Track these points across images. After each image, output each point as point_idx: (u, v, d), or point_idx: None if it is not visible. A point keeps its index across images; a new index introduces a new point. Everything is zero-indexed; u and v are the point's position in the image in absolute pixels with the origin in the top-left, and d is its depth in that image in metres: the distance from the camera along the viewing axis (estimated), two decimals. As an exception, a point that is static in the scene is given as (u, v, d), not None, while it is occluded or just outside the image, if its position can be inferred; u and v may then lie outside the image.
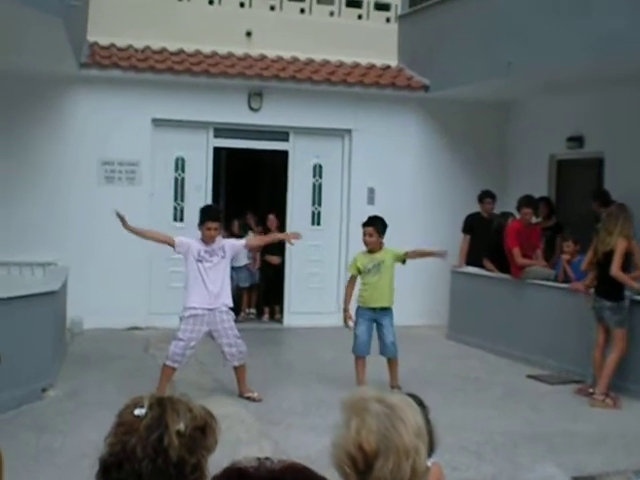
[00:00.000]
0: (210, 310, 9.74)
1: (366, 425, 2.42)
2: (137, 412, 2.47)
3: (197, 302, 9.72)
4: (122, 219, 10.02)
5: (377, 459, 2.39)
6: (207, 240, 9.88)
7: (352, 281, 10.67)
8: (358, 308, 10.52)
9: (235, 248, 10.29)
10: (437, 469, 4.46)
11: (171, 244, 9.98)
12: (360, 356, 10.39)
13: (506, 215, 13.66)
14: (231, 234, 15.35)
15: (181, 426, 2.43)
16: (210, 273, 9.80)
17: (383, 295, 10.47)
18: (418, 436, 2.44)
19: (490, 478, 7.52)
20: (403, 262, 10.62)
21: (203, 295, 9.73)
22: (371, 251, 10.54)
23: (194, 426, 2.47)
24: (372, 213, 15.04)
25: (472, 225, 14.47)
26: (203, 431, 2.49)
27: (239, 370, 10.04)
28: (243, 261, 15.44)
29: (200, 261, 9.78)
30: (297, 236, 10.70)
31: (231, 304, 10.01)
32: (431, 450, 4.45)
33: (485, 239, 14.03)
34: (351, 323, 10.48)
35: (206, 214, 10.13)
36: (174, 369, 9.73)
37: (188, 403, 2.54)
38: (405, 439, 2.40)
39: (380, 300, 10.44)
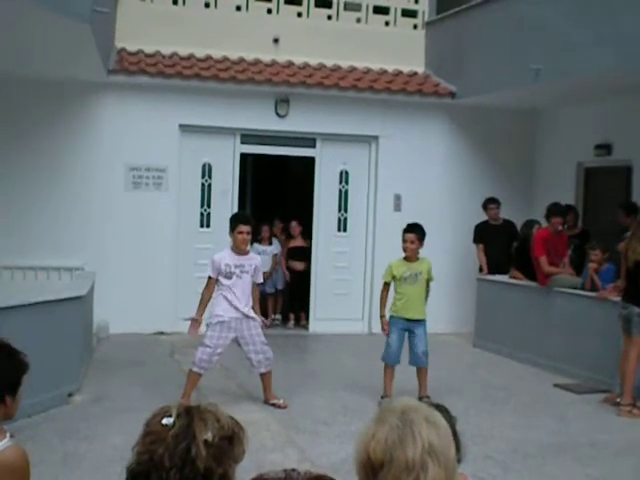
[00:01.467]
0: (237, 317, 9.73)
1: (376, 436, 2.43)
2: (165, 421, 2.46)
3: (224, 310, 9.73)
4: (194, 320, 9.92)
5: (381, 470, 2.40)
6: (239, 246, 9.82)
7: (386, 288, 10.46)
8: (391, 317, 10.40)
9: (258, 272, 10.14)
10: (463, 480, 4.42)
11: (214, 282, 9.89)
12: (390, 365, 10.32)
13: (531, 223, 13.63)
14: (261, 240, 15.41)
15: (209, 436, 2.42)
16: (237, 288, 9.79)
17: (417, 306, 10.33)
18: (428, 454, 2.42)
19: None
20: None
21: (229, 306, 9.73)
22: (408, 259, 10.37)
23: (222, 436, 2.46)
24: (398, 220, 15.14)
25: (481, 234, 14.51)
26: (231, 441, 2.49)
27: (265, 377, 10.03)
28: (266, 267, 15.45)
29: (229, 277, 9.76)
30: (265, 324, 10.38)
31: (253, 314, 9.97)
32: (458, 461, 4.44)
33: (495, 245, 14.07)
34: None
35: (237, 218, 10.16)
36: (200, 375, 9.74)
37: (216, 413, 2.53)
38: (409, 454, 2.39)
39: (414, 311, 10.30)
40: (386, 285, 10.46)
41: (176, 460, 2.37)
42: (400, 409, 2.51)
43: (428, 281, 10.43)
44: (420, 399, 9.66)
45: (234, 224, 9.93)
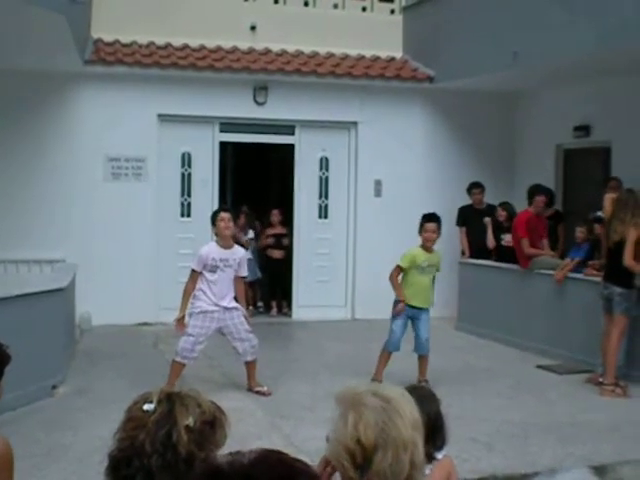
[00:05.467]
0: (219, 307, 9.74)
1: (363, 419, 2.41)
2: (146, 407, 2.47)
3: (206, 302, 9.73)
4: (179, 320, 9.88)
5: (376, 453, 2.38)
6: (223, 236, 9.83)
7: (399, 272, 10.32)
8: (397, 303, 10.40)
9: (242, 265, 10.11)
10: (448, 462, 4.46)
11: (198, 275, 9.85)
12: (390, 352, 10.32)
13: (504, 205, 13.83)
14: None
15: (190, 421, 2.43)
16: (220, 283, 9.80)
17: (427, 296, 10.41)
18: (415, 429, 2.44)
19: (501, 469, 7.50)
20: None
21: (211, 297, 9.74)
22: (427, 249, 10.36)
23: (203, 421, 2.47)
24: (379, 205, 15.18)
25: (465, 217, 14.57)
26: (212, 426, 2.49)
27: (250, 365, 10.04)
28: (248, 254, 15.46)
29: (213, 271, 9.76)
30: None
31: (235, 304, 9.98)
32: (443, 443, 4.47)
33: (478, 230, 14.15)
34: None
35: (216, 211, 10.25)
36: (183, 365, 9.75)
37: (197, 398, 2.54)
38: (403, 432, 2.40)
39: (423, 300, 10.36)
40: (400, 269, 10.30)
41: (157, 445, 2.38)
42: (369, 390, 2.51)
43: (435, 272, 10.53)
44: (419, 382, 9.71)
45: (214, 216, 9.97)
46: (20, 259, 13.46)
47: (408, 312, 10.32)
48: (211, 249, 9.85)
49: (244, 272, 10.15)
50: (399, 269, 10.32)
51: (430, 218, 10.44)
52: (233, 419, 7.81)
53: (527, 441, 8.33)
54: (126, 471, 2.40)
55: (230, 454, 2.09)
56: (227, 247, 9.90)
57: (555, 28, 12.03)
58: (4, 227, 13.57)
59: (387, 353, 10.32)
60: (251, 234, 15.83)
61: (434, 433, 4.35)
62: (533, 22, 12.53)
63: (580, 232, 12.26)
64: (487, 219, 14.17)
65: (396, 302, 10.35)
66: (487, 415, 9.20)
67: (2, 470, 3.59)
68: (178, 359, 9.72)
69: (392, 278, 10.34)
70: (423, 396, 4.50)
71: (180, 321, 9.85)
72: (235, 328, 9.84)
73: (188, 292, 9.89)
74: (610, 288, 10.43)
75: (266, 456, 1.80)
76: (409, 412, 2.45)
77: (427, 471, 4.25)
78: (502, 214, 13.66)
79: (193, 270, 9.86)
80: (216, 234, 9.95)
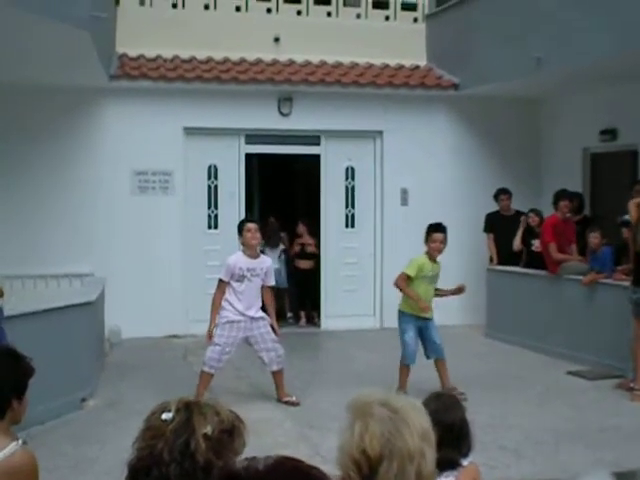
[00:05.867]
0: (245, 317, 9.77)
1: (370, 430, 2.41)
2: (164, 416, 2.49)
3: (232, 312, 9.77)
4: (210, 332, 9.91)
5: (381, 464, 2.38)
6: (250, 245, 9.89)
7: (406, 280, 10.25)
8: (403, 314, 10.35)
9: (269, 275, 10.14)
10: (474, 468, 4.44)
11: (226, 286, 9.89)
12: (409, 364, 10.25)
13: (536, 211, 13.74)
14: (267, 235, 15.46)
15: (208, 429, 2.44)
16: (247, 290, 9.85)
17: (431, 306, 10.33)
18: (423, 439, 2.43)
19: (530, 476, 7.46)
20: None
21: (237, 307, 9.78)
22: (433, 259, 10.33)
23: (221, 429, 2.48)
24: (406, 214, 15.17)
25: (492, 223, 14.51)
26: (231, 434, 2.50)
27: (277, 375, 10.05)
28: (276, 264, 15.51)
29: (240, 281, 9.81)
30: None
31: (261, 314, 10.01)
32: (468, 450, 4.46)
33: (506, 236, 14.08)
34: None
35: (242, 221, 10.36)
36: (211, 375, 9.78)
37: (215, 406, 2.55)
38: (409, 443, 2.39)
39: (429, 311, 10.31)
40: (408, 278, 10.19)
41: (175, 454, 2.39)
42: (379, 400, 2.51)
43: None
44: (448, 390, 9.61)
45: (241, 226, 10.03)
46: (49, 274, 13.55)
47: (416, 322, 10.25)
48: (238, 259, 9.90)
49: (271, 281, 10.17)
50: (406, 277, 10.23)
51: (437, 228, 10.37)
52: (261, 429, 7.87)
53: (556, 448, 8.29)
54: (145, 480, 2.42)
55: (246, 459, 2.10)
56: (254, 257, 9.95)
57: (577, 33, 11.99)
58: (32, 242, 13.69)
59: (405, 367, 10.24)
60: (281, 245, 15.87)
61: (459, 440, 4.34)
62: (555, 27, 12.50)
63: (594, 237, 12.12)
64: (523, 217, 14.06)
65: (400, 312, 10.34)
66: (516, 422, 9.16)
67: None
68: (206, 369, 9.76)
69: (400, 285, 10.24)
70: (448, 403, 4.50)
71: (211, 332, 9.88)
72: (261, 337, 9.86)
73: (217, 303, 9.92)
74: (639, 292, 10.36)
75: (282, 463, 1.81)
76: (417, 423, 2.45)
77: (452, 478, 4.24)
78: (535, 219, 13.55)
79: (221, 280, 9.90)
80: (243, 244, 10.00)
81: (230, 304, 9.80)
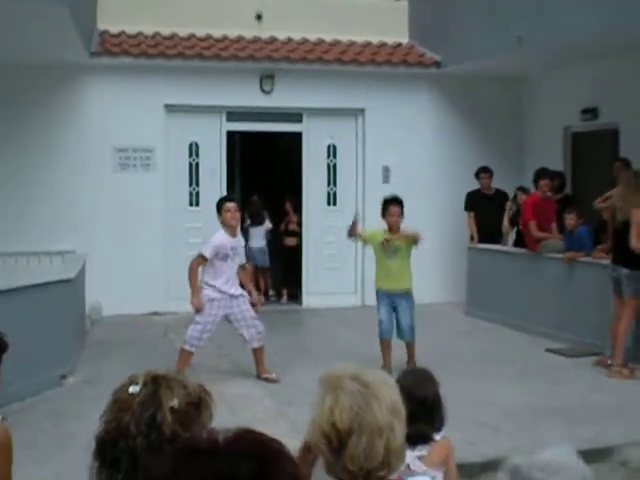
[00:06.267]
0: (225, 294, 9.77)
1: (339, 403, 2.43)
2: (131, 390, 2.49)
3: (211, 290, 9.78)
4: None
5: (350, 437, 2.41)
6: (230, 225, 9.88)
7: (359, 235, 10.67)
8: (377, 291, 10.45)
9: (243, 254, 10.25)
10: (446, 443, 4.46)
11: (205, 262, 9.88)
12: (385, 339, 10.33)
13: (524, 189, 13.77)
14: (251, 214, 15.49)
15: (175, 402, 2.44)
16: (228, 269, 9.88)
17: (399, 280, 10.32)
18: (393, 414, 2.45)
19: (506, 452, 7.50)
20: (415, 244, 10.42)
21: (216, 285, 9.79)
22: (394, 231, 10.35)
23: (188, 402, 2.48)
24: (388, 192, 15.12)
25: (473, 202, 14.53)
26: (198, 407, 2.50)
27: (257, 351, 10.07)
28: (260, 243, 15.54)
29: (224, 260, 9.81)
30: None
31: (240, 291, 10.02)
32: (441, 424, 4.48)
33: (486, 214, 14.12)
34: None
35: (221, 200, 10.29)
36: (192, 353, 9.79)
37: (183, 380, 2.55)
38: (378, 417, 2.41)
39: (395, 283, 10.32)
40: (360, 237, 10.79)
41: (142, 427, 2.39)
42: (350, 374, 2.53)
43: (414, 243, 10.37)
44: None
45: (220, 205, 10.00)
46: (29, 251, 13.50)
47: (388, 299, 10.32)
48: (224, 238, 9.89)
49: (243, 259, 10.23)
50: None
51: (391, 200, 10.44)
52: (240, 406, 7.90)
53: (535, 424, 8.33)
54: (112, 453, 2.42)
55: (207, 431, 2.10)
56: (234, 235, 9.95)
57: (559, 10, 11.99)
58: (13, 219, 13.65)
59: (384, 341, 10.31)
60: (268, 224, 15.86)
61: (432, 414, 4.37)
62: (537, 5, 12.50)
63: (570, 219, 12.16)
64: (508, 202, 14.14)
65: (376, 290, 10.50)
66: (495, 399, 9.20)
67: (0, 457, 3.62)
68: (187, 347, 9.77)
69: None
70: (421, 378, 4.53)
71: (197, 302, 9.83)
72: (241, 315, 9.87)
73: (195, 274, 9.89)
74: (618, 270, 10.41)
75: (241, 434, 1.81)
76: (388, 397, 2.46)
77: (424, 452, 4.27)
78: (522, 197, 13.56)
79: (202, 256, 9.85)
80: (222, 223, 9.96)
81: (209, 283, 9.79)
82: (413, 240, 10.28)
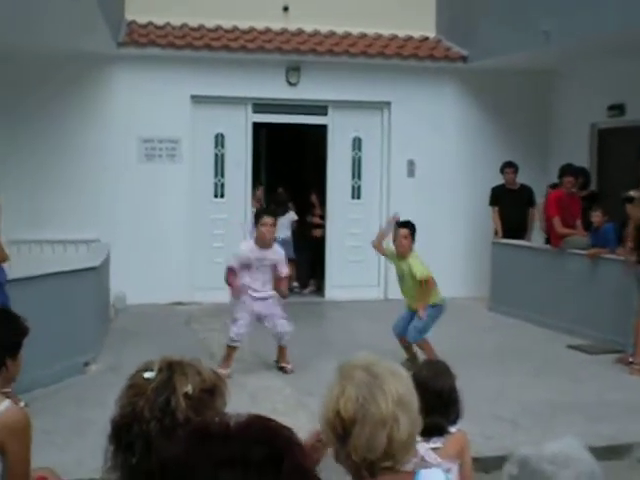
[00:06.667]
0: (255, 298, 9.87)
1: (345, 393, 2.49)
2: (147, 375, 2.55)
3: (245, 293, 9.90)
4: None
5: (354, 427, 2.46)
6: (263, 240, 9.86)
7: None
8: None
9: (281, 265, 10.12)
10: (461, 436, 4.49)
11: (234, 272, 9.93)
12: (396, 335, 10.41)
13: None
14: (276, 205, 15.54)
15: (189, 388, 2.49)
16: (256, 274, 9.91)
17: (411, 298, 10.32)
18: (398, 405, 2.48)
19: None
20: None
21: (250, 288, 9.89)
22: (400, 256, 10.27)
23: (202, 388, 2.52)
24: (413, 185, 15.16)
25: (497, 197, 14.50)
26: (212, 394, 2.55)
27: (282, 348, 10.20)
28: (284, 233, 15.57)
29: (248, 268, 9.87)
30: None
31: (270, 293, 10.10)
32: (457, 417, 4.51)
33: (511, 209, 14.09)
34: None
35: (259, 213, 10.33)
36: (236, 348, 9.91)
37: (197, 366, 2.60)
38: (382, 408, 2.45)
39: (409, 301, 10.38)
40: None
41: (156, 412, 2.44)
42: (363, 365, 2.57)
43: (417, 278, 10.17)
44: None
45: (259, 217, 10.03)
46: (55, 239, 13.62)
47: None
48: (249, 248, 9.94)
49: (284, 271, 10.13)
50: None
51: (403, 224, 10.29)
52: (261, 396, 7.94)
53: (553, 419, 8.34)
54: (127, 437, 2.47)
55: (219, 416, 2.15)
56: (264, 247, 9.94)
57: (586, 6, 11.93)
58: (39, 208, 13.77)
59: (399, 337, 10.41)
60: (293, 215, 15.90)
61: (448, 407, 4.40)
62: (565, 0, 12.44)
63: (596, 216, 12.13)
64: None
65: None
66: (514, 394, 9.21)
67: (19, 438, 3.68)
68: (231, 344, 9.87)
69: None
70: (438, 371, 4.55)
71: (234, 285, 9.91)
72: (271, 315, 9.98)
73: (229, 280, 9.96)
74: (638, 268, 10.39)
75: (253, 420, 1.85)
76: (394, 388, 2.50)
77: (439, 444, 4.30)
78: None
79: (230, 268, 9.92)
80: (257, 236, 9.98)
81: (245, 285, 9.87)
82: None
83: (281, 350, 10.22)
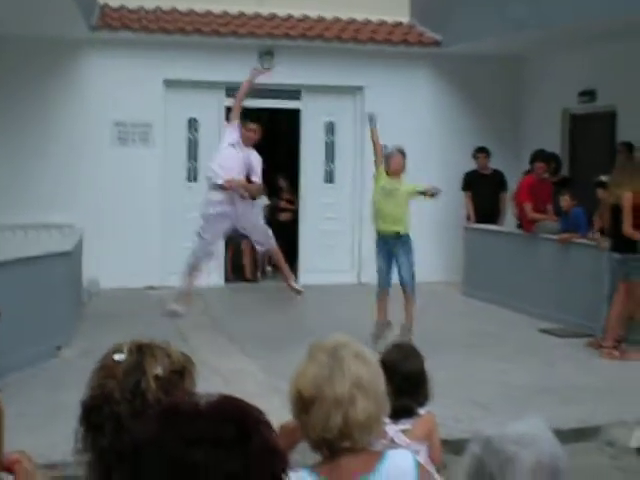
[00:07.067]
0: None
1: (307, 372, 2.54)
2: (117, 357, 2.56)
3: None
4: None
5: (312, 406, 2.51)
6: (245, 138, 10.45)
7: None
8: (376, 238, 10.64)
9: (255, 165, 10.58)
10: (430, 418, 4.53)
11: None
12: (383, 289, 10.44)
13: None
14: None
15: (159, 370, 2.50)
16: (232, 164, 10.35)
17: (393, 222, 10.38)
18: (357, 388, 2.53)
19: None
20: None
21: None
22: (394, 174, 10.58)
23: (172, 370, 2.54)
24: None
25: (470, 182, 14.57)
26: (181, 375, 2.56)
27: (275, 256, 10.68)
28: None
29: (233, 146, 10.30)
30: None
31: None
32: (425, 399, 4.55)
33: (483, 194, 14.15)
34: None
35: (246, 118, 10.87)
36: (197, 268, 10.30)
37: (167, 348, 2.61)
38: (337, 389, 2.51)
39: (390, 226, 10.40)
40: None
41: (126, 394, 2.46)
42: (330, 346, 2.61)
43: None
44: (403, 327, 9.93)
45: (244, 124, 10.74)
46: (28, 224, 13.52)
47: (384, 245, 10.45)
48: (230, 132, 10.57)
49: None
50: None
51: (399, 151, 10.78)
52: (234, 380, 7.93)
53: (526, 402, 8.38)
54: (97, 418, 2.49)
55: (189, 395, 2.17)
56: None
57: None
58: (12, 192, 13.68)
59: (381, 291, 10.44)
60: (265, 200, 15.86)
61: (417, 389, 4.43)
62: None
63: (564, 201, 12.17)
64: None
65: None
66: (487, 377, 9.28)
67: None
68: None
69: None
70: (406, 353, 4.59)
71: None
72: (246, 220, 10.52)
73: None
74: (610, 254, 10.46)
75: (222, 400, 1.87)
76: (354, 370, 2.55)
77: (408, 426, 4.33)
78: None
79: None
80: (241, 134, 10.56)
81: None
82: (415, 191, 10.46)
83: (278, 261, 10.80)
